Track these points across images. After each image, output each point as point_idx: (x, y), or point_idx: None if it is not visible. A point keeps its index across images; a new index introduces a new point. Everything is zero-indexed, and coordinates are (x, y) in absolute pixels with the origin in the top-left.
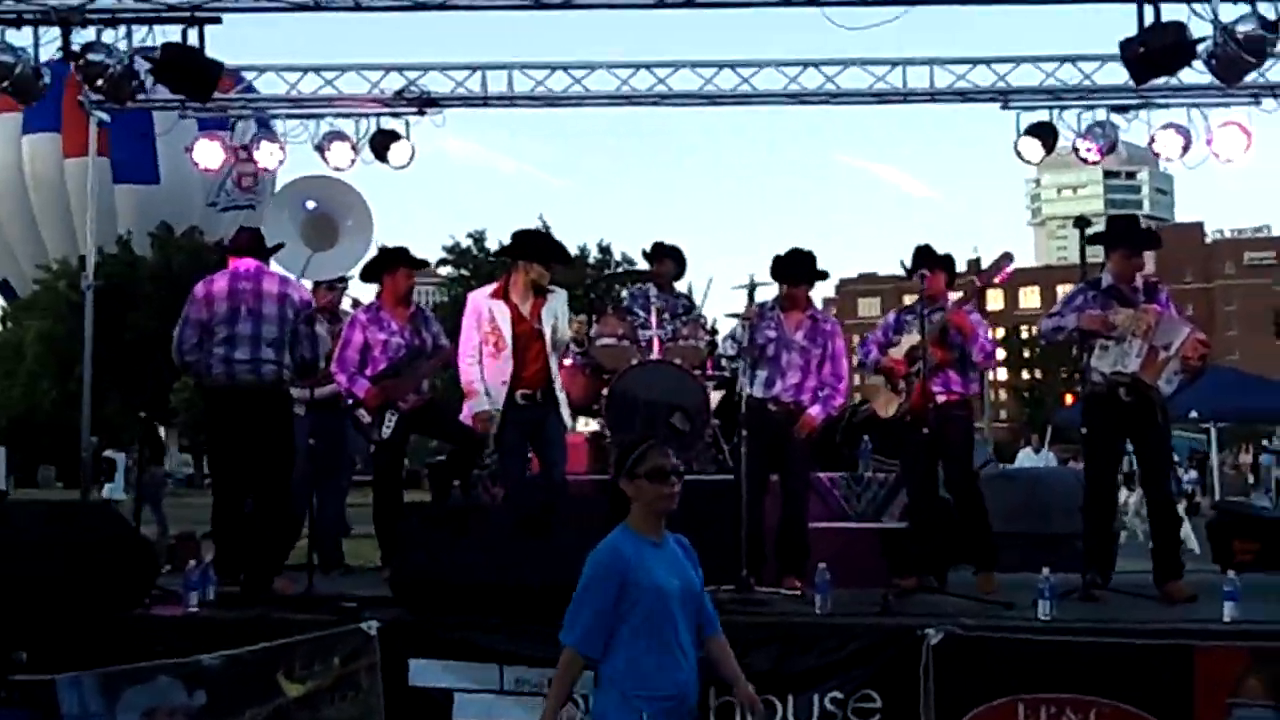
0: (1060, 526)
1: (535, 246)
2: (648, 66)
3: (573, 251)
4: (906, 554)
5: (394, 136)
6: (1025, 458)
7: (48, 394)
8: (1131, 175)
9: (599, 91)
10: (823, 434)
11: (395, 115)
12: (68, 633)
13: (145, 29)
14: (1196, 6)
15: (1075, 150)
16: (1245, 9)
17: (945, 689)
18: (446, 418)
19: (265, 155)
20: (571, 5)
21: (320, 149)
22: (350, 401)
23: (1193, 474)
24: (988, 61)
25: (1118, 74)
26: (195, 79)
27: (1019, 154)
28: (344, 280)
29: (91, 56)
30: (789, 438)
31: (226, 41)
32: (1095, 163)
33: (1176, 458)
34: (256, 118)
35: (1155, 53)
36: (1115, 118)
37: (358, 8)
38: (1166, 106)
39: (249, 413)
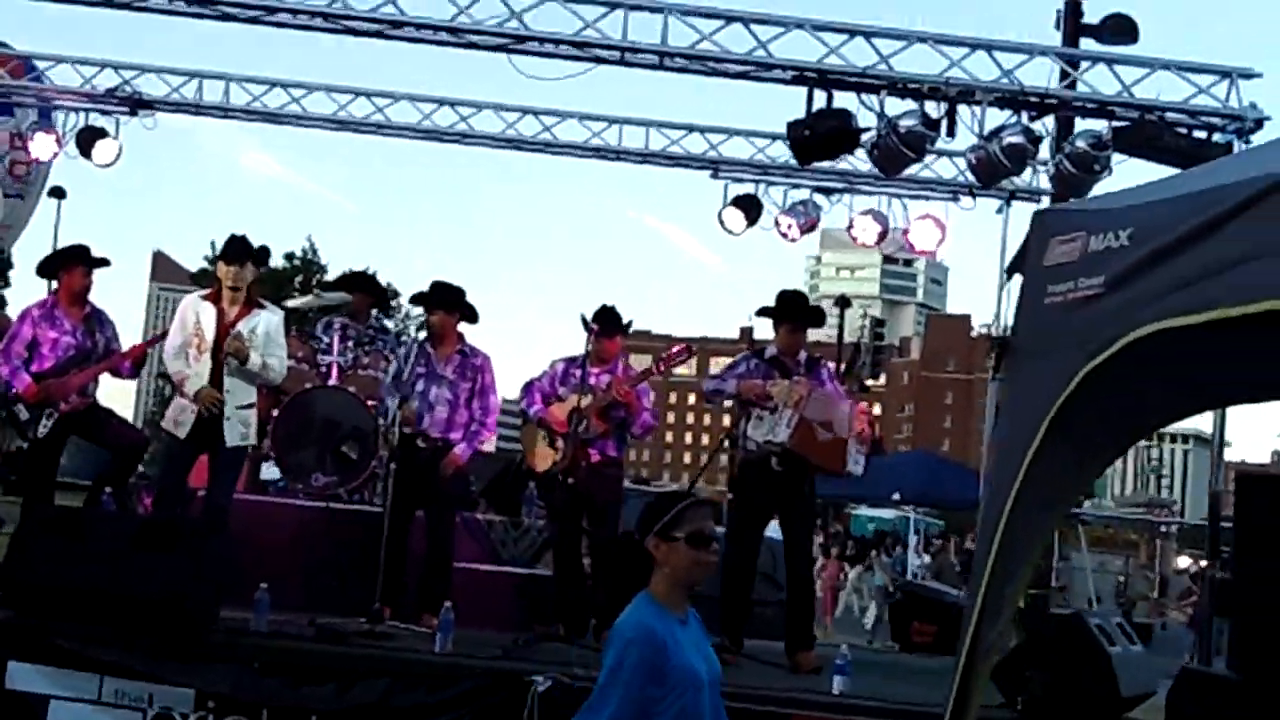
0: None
1: (234, 249)
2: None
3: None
4: (549, 602)
5: (101, 133)
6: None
7: None
8: (909, 263)
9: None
10: (496, 476)
11: (104, 113)
12: None
13: None
14: (865, 97)
15: (776, 224)
16: (911, 105)
17: None
18: (107, 424)
19: (40, 146)
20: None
21: (21, 137)
22: (11, 394)
23: (925, 557)
24: (702, 130)
25: None
26: None
27: (722, 223)
28: None
29: None
30: (436, 474)
31: None
32: (794, 240)
33: (915, 537)
34: (40, 107)
35: (819, 137)
36: (819, 198)
37: None
38: (869, 194)
39: None
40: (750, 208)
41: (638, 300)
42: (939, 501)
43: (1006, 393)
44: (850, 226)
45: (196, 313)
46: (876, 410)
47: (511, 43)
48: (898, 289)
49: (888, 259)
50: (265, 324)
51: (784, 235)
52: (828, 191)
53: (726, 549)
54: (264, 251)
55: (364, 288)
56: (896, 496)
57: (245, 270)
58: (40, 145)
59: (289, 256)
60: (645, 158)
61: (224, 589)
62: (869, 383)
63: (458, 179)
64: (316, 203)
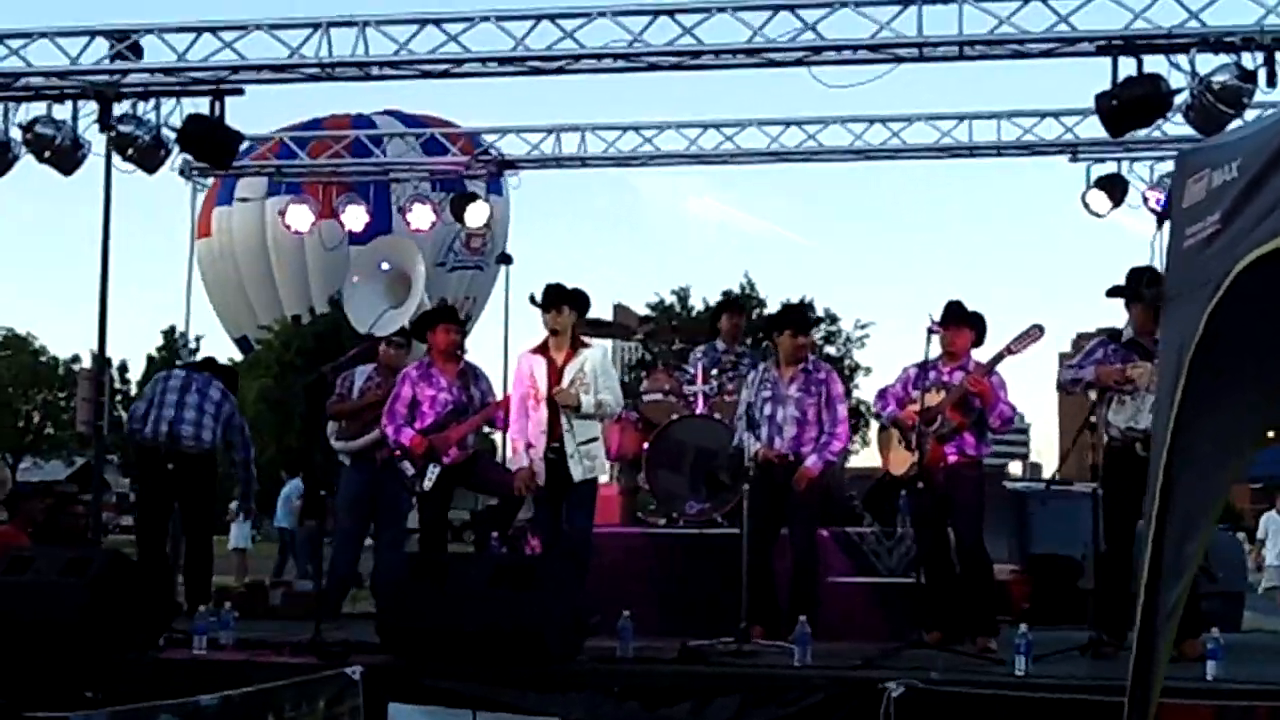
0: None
1: (549, 296)
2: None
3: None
4: (921, 610)
5: (472, 198)
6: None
7: (264, 452)
8: None
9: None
10: (873, 488)
11: (472, 177)
12: (85, 673)
13: (173, 101)
14: (1174, 58)
15: (1145, 201)
16: (1225, 59)
17: None
18: (490, 473)
19: (418, 216)
20: (564, 71)
21: (402, 211)
22: (397, 453)
23: None
24: (1056, 114)
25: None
26: (216, 148)
27: (1086, 206)
28: (406, 335)
29: (122, 128)
30: (791, 491)
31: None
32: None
33: None
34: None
35: (1128, 105)
36: None
37: (366, 77)
38: None
39: None
40: (1115, 187)
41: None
42: None
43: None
44: None
45: (530, 365)
46: None
47: (808, 55)
48: None
49: None
50: (591, 362)
51: (1154, 212)
52: None
53: (1104, 546)
54: (580, 295)
55: (729, 310)
56: None
57: (564, 315)
58: (419, 216)
59: (726, 293)
60: (1000, 149)
61: (590, 619)
62: None
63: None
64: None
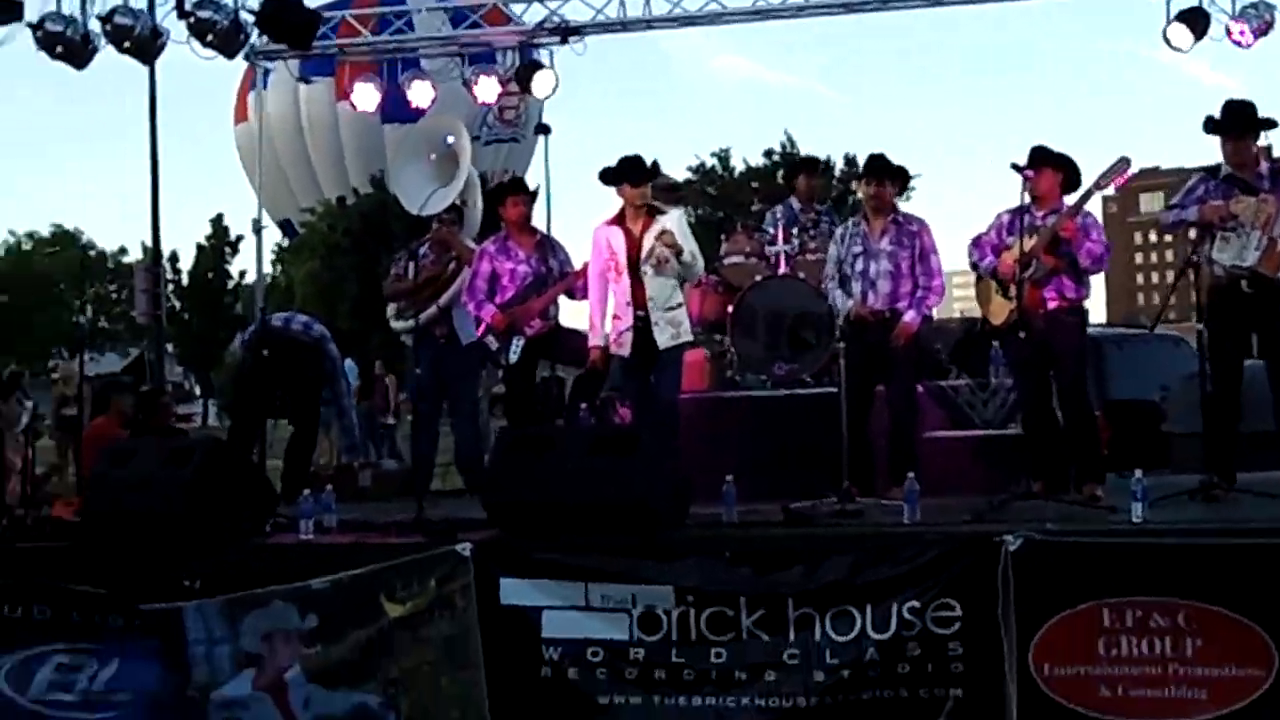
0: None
1: (622, 169)
2: None
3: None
4: (1024, 460)
5: (538, 66)
6: None
7: None
8: None
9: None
10: (961, 340)
11: (538, 46)
12: (194, 563)
13: None
14: None
15: (1228, 33)
16: None
17: (1025, 596)
18: (572, 343)
19: (484, 88)
20: None
21: (467, 83)
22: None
23: None
24: None
25: None
26: (295, 29)
27: (1167, 40)
28: (456, 211)
29: (201, 13)
30: (888, 347)
31: None
32: (1248, 46)
33: None
34: (522, 48)
35: None
36: None
37: None
38: None
39: None
40: (1197, 20)
41: (1151, 136)
42: None
43: None
44: None
45: (607, 238)
46: None
47: None
48: None
49: None
50: (671, 224)
51: (1238, 44)
52: None
53: (1210, 387)
54: (655, 166)
55: (806, 170)
56: None
57: (648, 189)
58: (484, 88)
59: (768, 154)
60: None
61: (692, 486)
62: None
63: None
64: (795, 95)
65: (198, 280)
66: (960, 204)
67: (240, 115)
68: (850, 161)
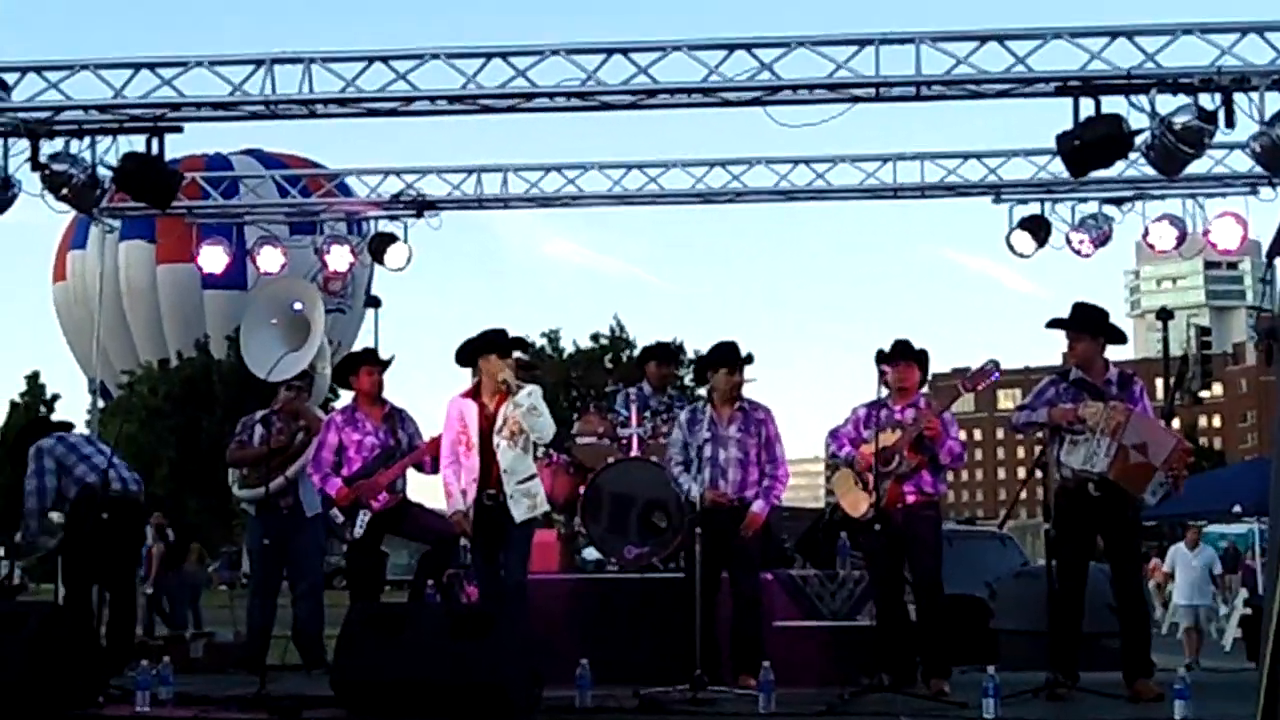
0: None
1: (490, 340)
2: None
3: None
4: (872, 653)
5: (391, 239)
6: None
7: None
8: (1234, 265)
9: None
10: (808, 530)
11: (393, 218)
12: None
13: (109, 139)
14: (1134, 98)
15: (1068, 242)
16: (1184, 100)
17: None
18: (420, 518)
19: (336, 258)
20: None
21: (319, 252)
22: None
23: None
24: (979, 155)
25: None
26: (155, 188)
27: (1011, 247)
28: (305, 379)
29: (56, 166)
30: (736, 536)
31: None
32: (1088, 256)
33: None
34: (348, 220)
35: (1090, 146)
36: (1109, 209)
37: (311, 115)
38: (1161, 198)
39: None
40: (1038, 228)
41: (951, 337)
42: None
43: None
44: (1146, 235)
45: (460, 410)
46: (1216, 422)
47: (765, 94)
48: (1224, 294)
49: (1210, 264)
50: (527, 398)
51: (1077, 252)
52: (1118, 201)
53: (1056, 587)
54: (520, 339)
55: (657, 357)
56: (1237, 509)
57: (513, 360)
58: (337, 258)
59: (595, 337)
60: (923, 191)
61: (544, 668)
62: (1203, 394)
63: (741, 238)
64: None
65: (6, 438)
66: (787, 393)
67: (59, 274)
68: (678, 348)
